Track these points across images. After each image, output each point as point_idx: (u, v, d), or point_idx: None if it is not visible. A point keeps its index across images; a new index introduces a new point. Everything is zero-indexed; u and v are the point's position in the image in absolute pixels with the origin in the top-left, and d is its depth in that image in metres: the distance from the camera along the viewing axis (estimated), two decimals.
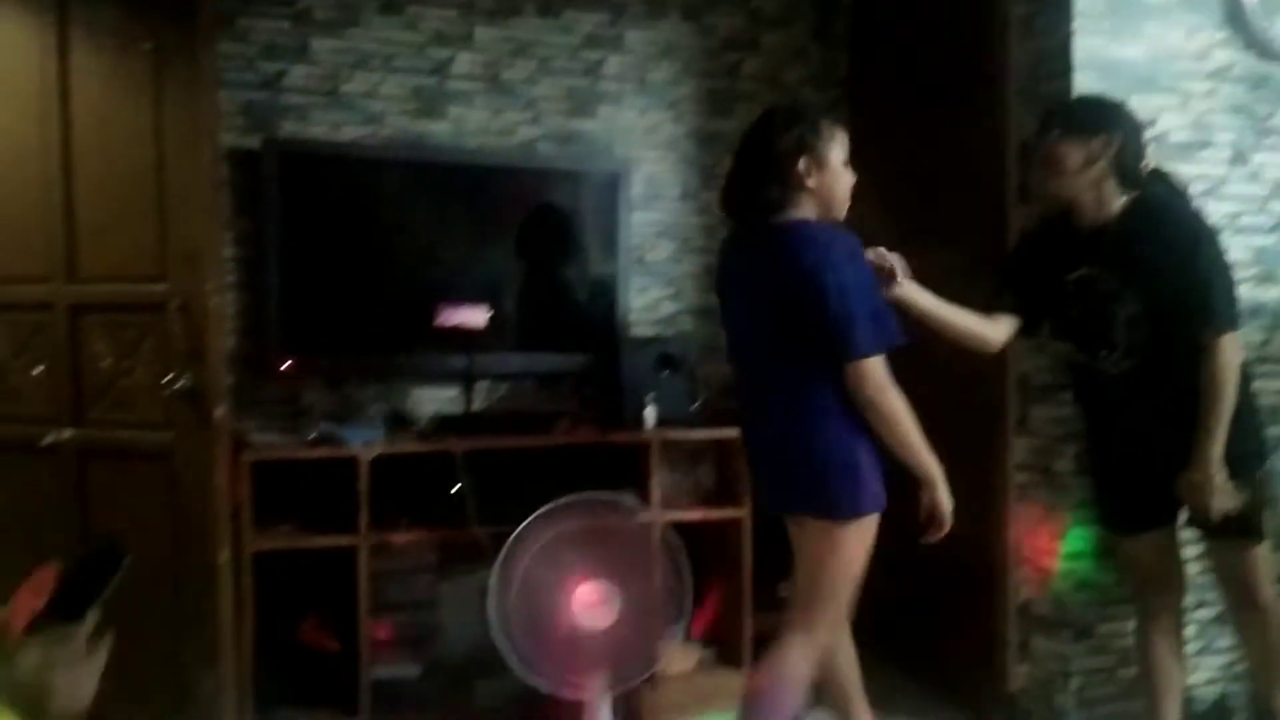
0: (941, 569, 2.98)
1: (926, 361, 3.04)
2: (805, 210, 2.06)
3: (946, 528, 2.13)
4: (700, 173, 3.39)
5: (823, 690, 2.39)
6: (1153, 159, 2.25)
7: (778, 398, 2.10)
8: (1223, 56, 2.61)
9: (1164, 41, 2.55)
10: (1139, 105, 2.48)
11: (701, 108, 3.39)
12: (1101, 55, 2.49)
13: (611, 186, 3.19)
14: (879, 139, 3.37)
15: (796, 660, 2.09)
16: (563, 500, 2.55)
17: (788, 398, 2.07)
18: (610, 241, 3.20)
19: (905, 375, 3.15)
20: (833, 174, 2.07)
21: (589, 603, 2.56)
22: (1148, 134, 2.52)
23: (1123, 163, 2.14)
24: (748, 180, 2.09)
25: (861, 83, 3.46)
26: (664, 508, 2.83)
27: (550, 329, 3.15)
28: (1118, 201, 2.16)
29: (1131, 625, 2.54)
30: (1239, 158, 2.61)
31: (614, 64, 3.29)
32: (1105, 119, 2.17)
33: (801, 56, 3.50)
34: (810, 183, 2.04)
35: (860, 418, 2.02)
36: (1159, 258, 2.08)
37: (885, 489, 2.10)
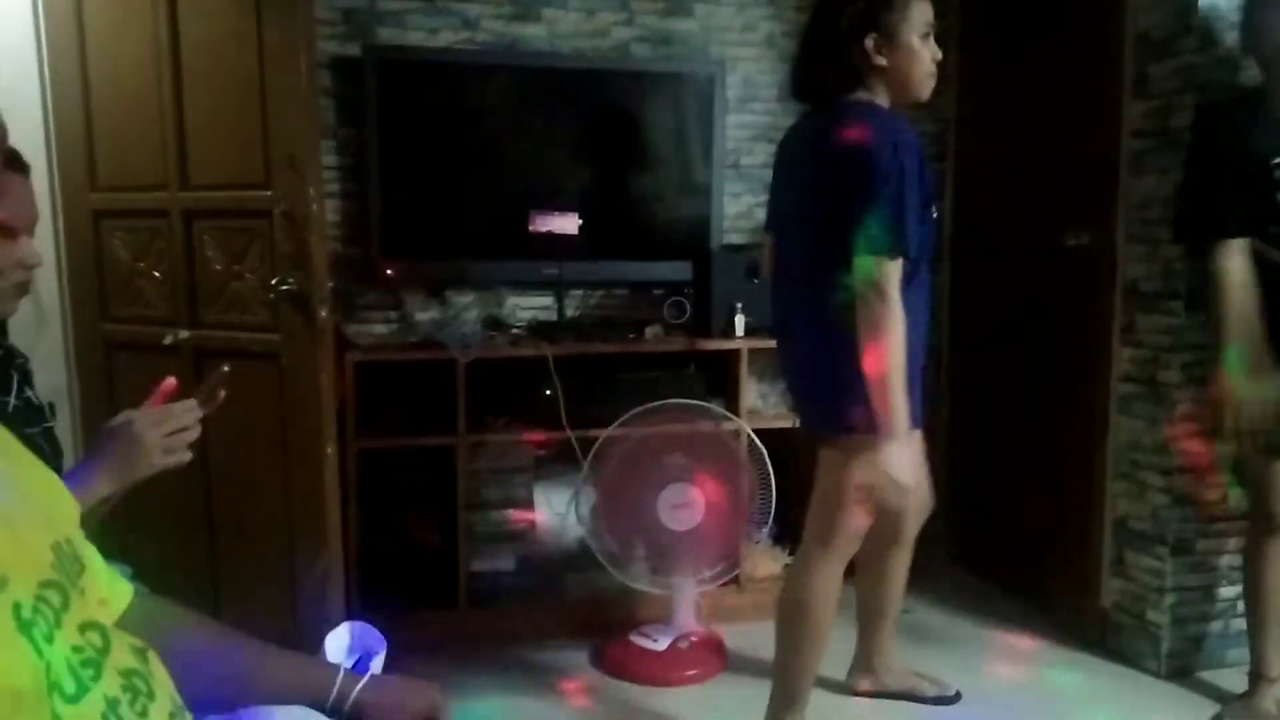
0: (1038, 481, 2.93)
1: (1028, 264, 2.95)
2: (876, 93, 1.91)
3: (892, 500, 1.89)
4: None
5: (857, 603, 2.40)
6: None
7: (809, 302, 1.94)
8: None
9: None
10: None
11: (801, 2, 3.26)
12: None
13: (707, 88, 3.13)
14: (989, 31, 3.21)
15: (821, 575, 2.04)
16: (652, 405, 2.60)
17: (819, 302, 1.88)
18: (705, 146, 3.16)
19: (1011, 282, 3.07)
20: (906, 52, 1.88)
21: (676, 504, 2.62)
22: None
23: None
24: (810, 61, 1.95)
25: None
26: (751, 416, 2.85)
27: (642, 236, 3.15)
28: None
29: (1232, 543, 2.46)
30: None
31: None
32: None
33: None
34: (879, 61, 1.87)
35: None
36: None
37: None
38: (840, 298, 1.81)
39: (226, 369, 1.43)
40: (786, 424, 2.89)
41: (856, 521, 2.00)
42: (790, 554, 3.01)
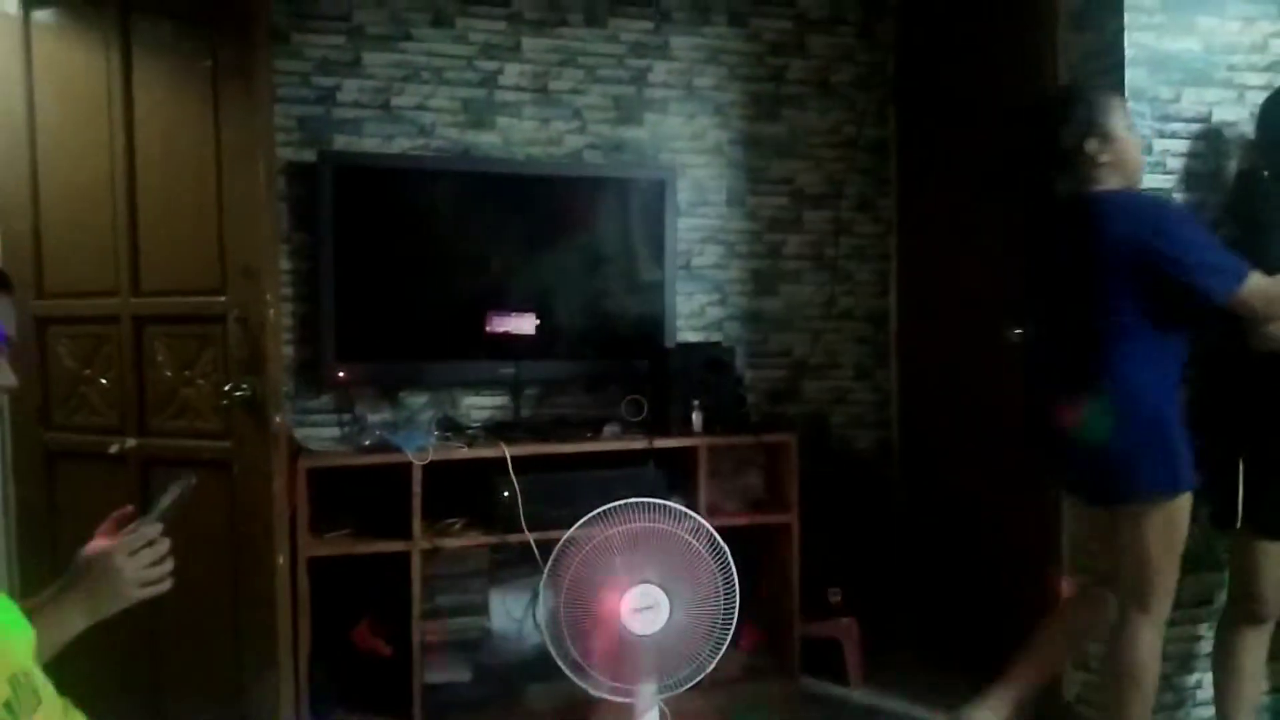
0: (996, 572, 2.94)
1: (973, 360, 3.02)
2: (1108, 183, 2.11)
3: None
4: (747, 177, 3.40)
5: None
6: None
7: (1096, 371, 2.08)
8: None
9: (1219, 34, 2.49)
10: (1193, 99, 2.45)
11: (748, 112, 3.39)
12: (1154, 49, 2.44)
13: (658, 193, 3.21)
14: (926, 140, 3.36)
15: (1147, 641, 2.13)
16: (611, 505, 2.57)
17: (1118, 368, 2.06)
18: (657, 248, 3.22)
19: (958, 376, 3.14)
20: (1122, 144, 2.11)
21: (638, 608, 2.57)
22: (1203, 129, 2.48)
23: None
24: (1042, 173, 2.17)
25: (909, 83, 3.44)
26: (712, 513, 2.83)
27: (598, 336, 3.18)
28: None
29: (1193, 630, 2.49)
30: None
31: (660, 71, 3.31)
32: None
33: (848, 58, 3.49)
34: (1104, 159, 2.09)
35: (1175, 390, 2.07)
36: None
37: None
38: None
39: (193, 481, 1.37)
40: (747, 521, 2.88)
41: (1172, 580, 2.12)
42: (753, 653, 2.97)
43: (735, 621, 2.63)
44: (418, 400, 3.08)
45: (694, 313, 3.34)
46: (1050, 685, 2.68)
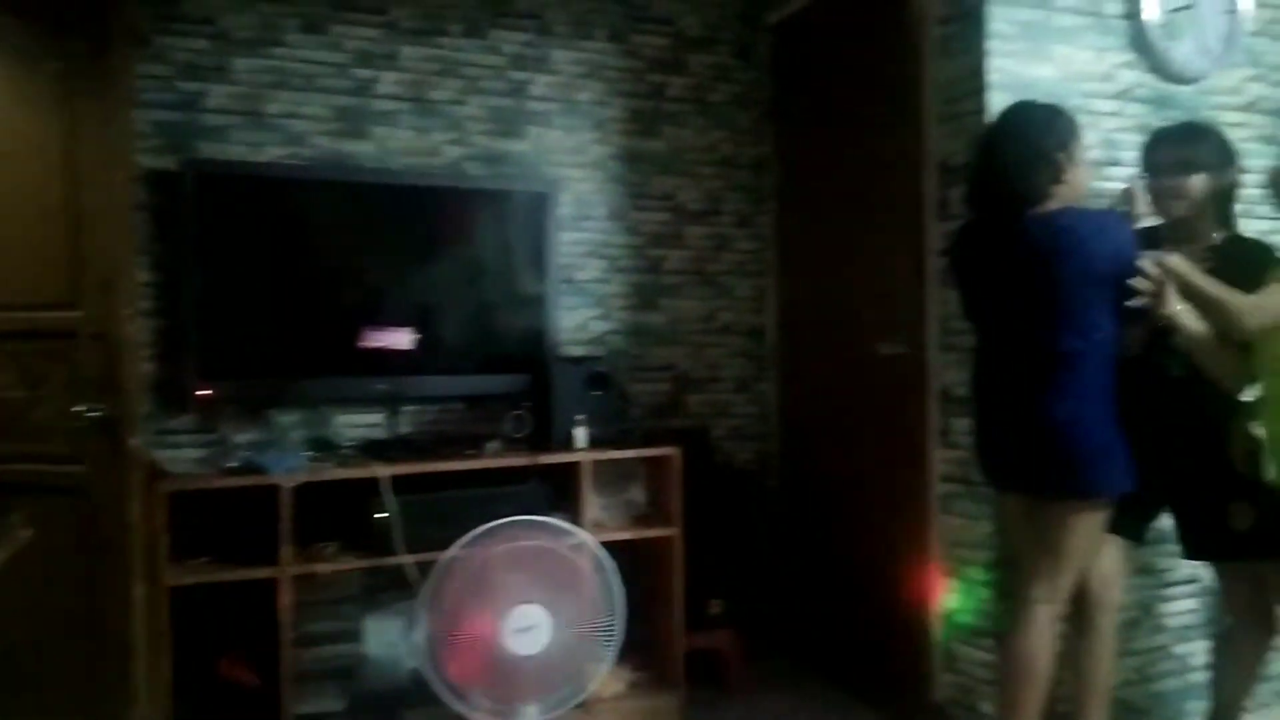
0: (870, 580, 3.02)
1: (850, 373, 3.11)
2: (1056, 203, 2.15)
3: None
4: (628, 192, 3.41)
5: None
6: None
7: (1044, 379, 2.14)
8: (1128, 78, 2.70)
9: (1073, 63, 2.63)
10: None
11: (628, 128, 3.41)
12: (1015, 75, 2.55)
13: (539, 206, 3.19)
14: (801, 159, 3.44)
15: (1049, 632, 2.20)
16: (491, 524, 2.53)
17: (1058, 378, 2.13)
18: (539, 261, 3.19)
19: (833, 389, 3.22)
20: (1083, 170, 2.20)
21: (519, 628, 2.53)
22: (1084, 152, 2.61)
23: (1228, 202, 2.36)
24: (1009, 174, 2.17)
25: (785, 102, 3.51)
26: (595, 529, 2.82)
27: (478, 350, 3.12)
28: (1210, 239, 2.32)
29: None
30: None
31: (541, 84, 3.29)
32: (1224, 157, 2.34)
33: (726, 77, 3.54)
34: (1065, 177, 2.14)
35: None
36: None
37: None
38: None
39: (24, 534, 1.21)
40: (631, 535, 2.88)
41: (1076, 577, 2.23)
42: (637, 670, 2.96)
43: (619, 637, 2.62)
44: (288, 419, 2.96)
45: (577, 327, 3.33)
46: (920, 685, 2.77)
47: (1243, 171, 2.41)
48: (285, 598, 2.57)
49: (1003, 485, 2.34)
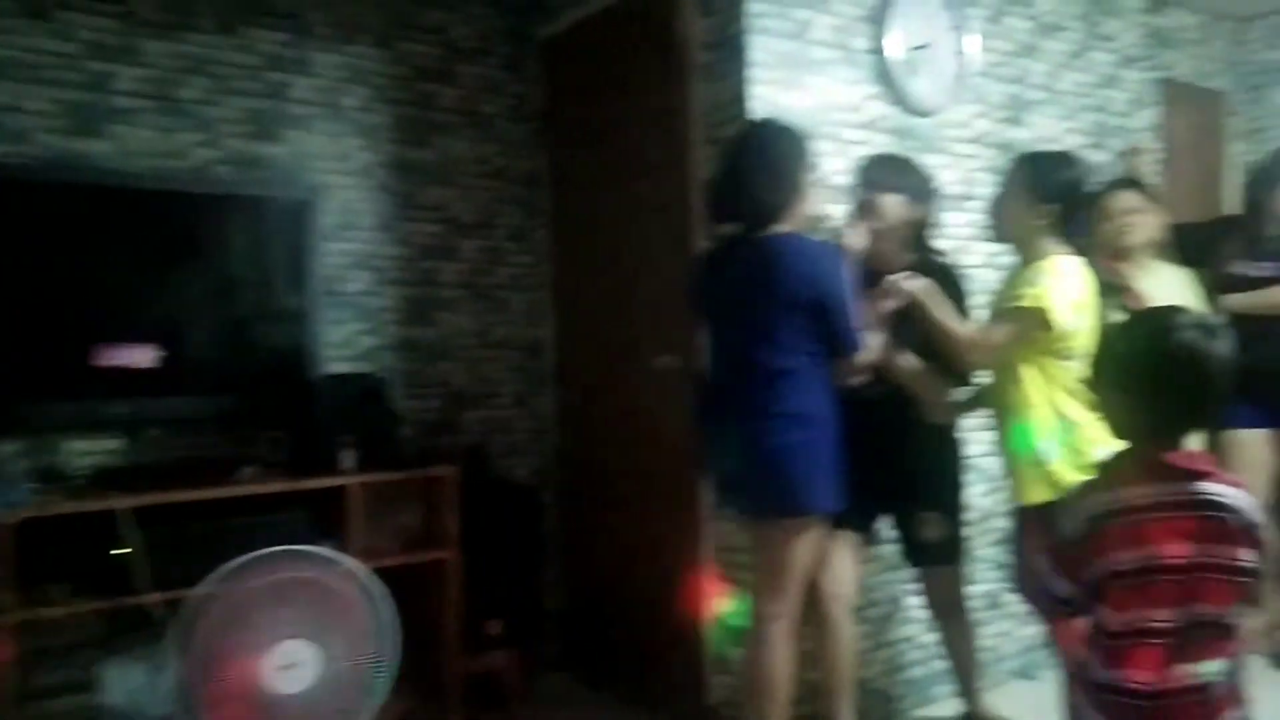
0: (646, 590, 3.06)
1: (626, 386, 3.15)
2: (791, 224, 2.22)
3: None
4: (397, 202, 3.30)
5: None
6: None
7: (772, 399, 2.19)
8: (874, 109, 2.91)
9: (826, 93, 2.80)
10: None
11: (397, 136, 3.30)
12: (774, 102, 2.69)
13: (300, 215, 3.02)
14: (575, 174, 3.46)
15: (785, 646, 2.28)
16: (249, 556, 2.35)
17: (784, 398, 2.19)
18: (300, 273, 3.02)
19: (610, 403, 3.25)
20: (813, 193, 2.29)
21: (283, 665, 2.37)
22: (815, 178, 2.77)
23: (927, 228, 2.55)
24: (750, 190, 2.20)
25: (557, 118, 3.53)
26: (365, 555, 2.69)
27: (232, 368, 2.91)
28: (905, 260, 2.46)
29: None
30: None
31: (301, 87, 3.12)
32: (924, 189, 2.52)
33: (498, 90, 3.51)
34: (802, 197, 2.23)
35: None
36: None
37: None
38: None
39: None
40: (405, 559, 2.77)
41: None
42: (414, 698, 2.85)
43: (392, 667, 2.51)
44: (8, 448, 2.63)
45: (342, 342, 3.17)
46: (695, 690, 2.84)
47: (939, 209, 2.64)
48: (9, 648, 2.27)
49: (728, 505, 2.44)
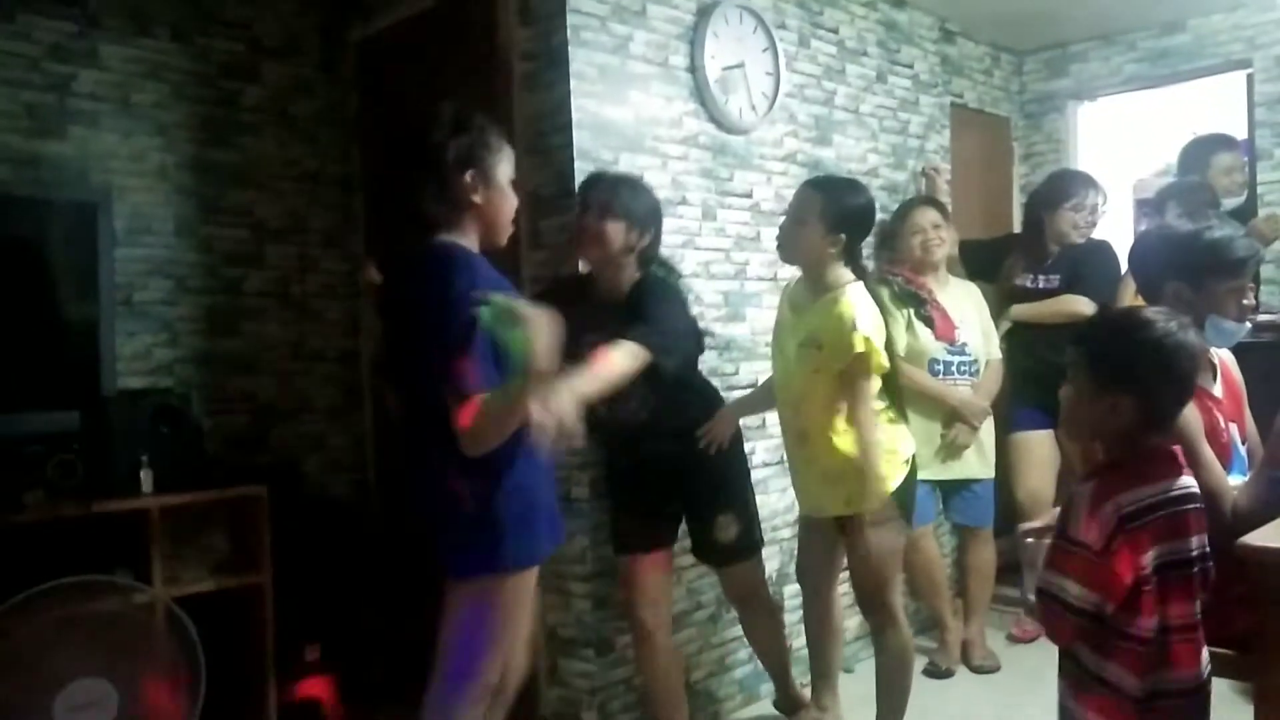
0: None
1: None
2: (468, 231, 1.89)
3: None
4: (198, 206, 3.11)
5: None
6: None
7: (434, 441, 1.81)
8: (692, 125, 2.99)
9: (646, 108, 2.85)
10: (628, 164, 2.77)
11: (197, 136, 3.11)
12: (596, 115, 2.71)
13: (87, 218, 2.80)
14: (393, 179, 3.36)
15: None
16: (37, 590, 2.16)
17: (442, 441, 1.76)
18: (89, 281, 2.79)
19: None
20: (500, 193, 1.92)
21: (78, 705, 2.19)
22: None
23: (651, 252, 2.43)
24: (406, 191, 1.88)
25: (373, 120, 3.42)
26: (169, 583, 2.52)
27: (12, 386, 2.65)
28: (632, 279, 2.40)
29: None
30: (708, 214, 2.99)
31: (88, 80, 2.89)
32: (650, 213, 2.42)
33: (309, 90, 3.37)
34: (476, 199, 1.87)
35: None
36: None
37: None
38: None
39: None
40: (213, 585, 2.61)
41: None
42: None
43: (199, 700, 2.37)
44: None
45: (138, 355, 2.96)
46: (527, 704, 2.82)
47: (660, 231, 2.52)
48: None
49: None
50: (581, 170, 2.66)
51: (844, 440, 2.37)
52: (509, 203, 1.95)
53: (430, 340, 1.74)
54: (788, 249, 2.51)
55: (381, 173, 1.97)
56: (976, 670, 3.32)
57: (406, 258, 1.89)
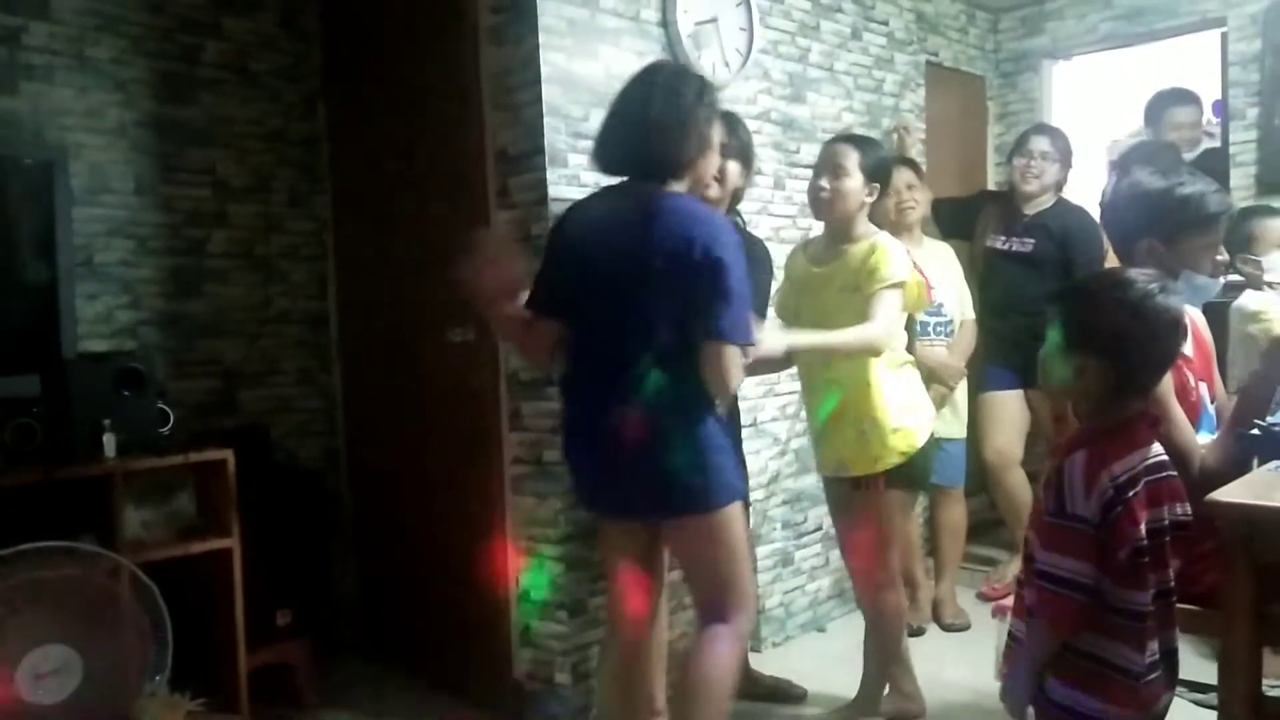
0: (447, 568, 3.01)
1: (418, 360, 3.05)
2: (683, 184, 2.02)
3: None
4: (158, 164, 3.03)
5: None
6: None
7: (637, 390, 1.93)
8: None
9: (617, 63, 2.79)
10: (599, 120, 2.69)
11: (156, 92, 3.02)
12: (565, 70, 2.65)
13: (43, 176, 2.73)
14: (358, 138, 3.29)
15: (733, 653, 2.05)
16: None
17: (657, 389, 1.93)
18: (46, 242, 2.73)
19: (402, 378, 3.14)
20: (714, 155, 2.10)
21: (41, 673, 2.16)
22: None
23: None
24: (653, 138, 1.96)
25: (337, 78, 3.34)
26: (134, 548, 2.48)
27: None
28: None
29: None
30: None
31: (40, 33, 2.79)
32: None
33: (271, 46, 3.28)
34: (701, 158, 2.03)
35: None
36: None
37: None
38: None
39: None
40: (180, 551, 2.58)
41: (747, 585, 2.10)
42: (194, 697, 2.67)
43: (167, 666, 2.34)
44: None
45: (99, 318, 2.89)
46: (500, 665, 2.82)
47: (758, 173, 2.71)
48: None
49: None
50: (552, 127, 2.61)
51: (879, 392, 2.41)
52: (714, 165, 2.15)
53: (717, 291, 1.88)
54: (830, 204, 2.49)
55: (618, 117, 2.03)
56: (947, 629, 3.36)
57: (653, 204, 1.96)
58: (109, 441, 2.52)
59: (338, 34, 3.33)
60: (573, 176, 2.66)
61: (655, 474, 1.95)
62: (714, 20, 3.00)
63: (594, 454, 2.04)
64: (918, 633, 3.29)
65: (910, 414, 2.47)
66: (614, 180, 2.09)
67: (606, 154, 2.05)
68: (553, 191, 2.62)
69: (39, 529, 2.29)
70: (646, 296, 1.93)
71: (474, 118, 2.76)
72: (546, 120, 2.60)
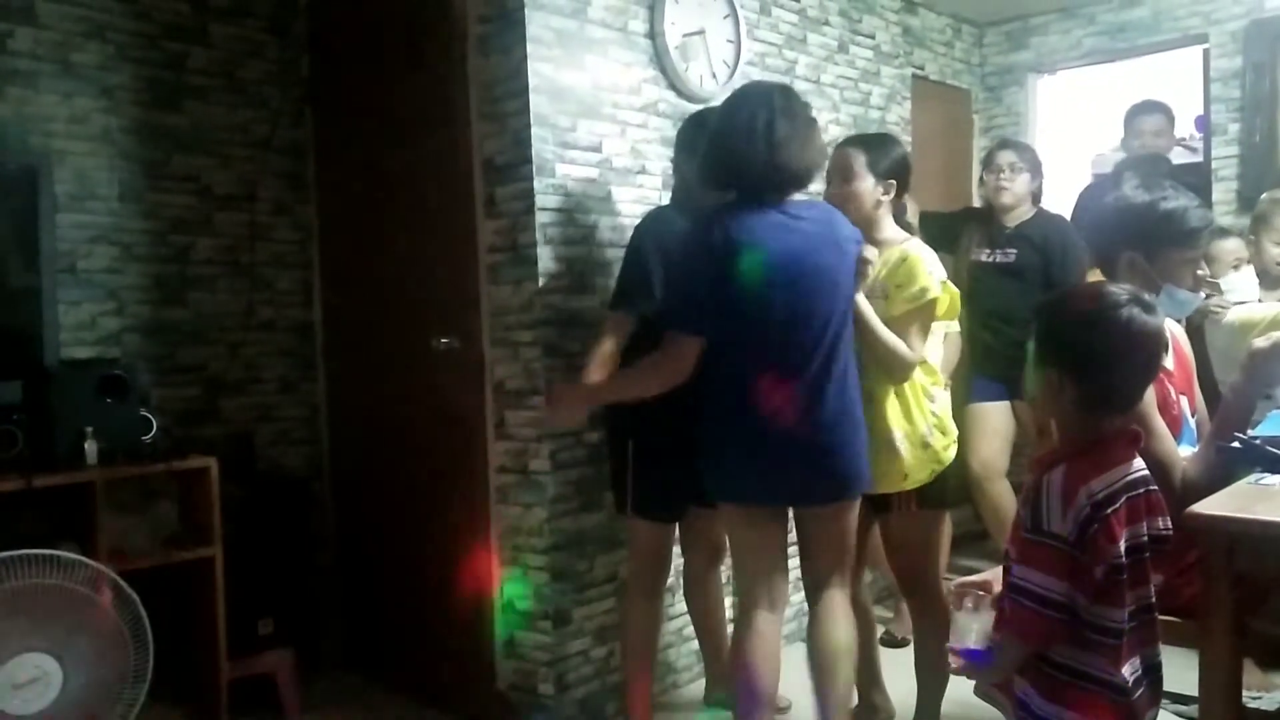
0: (431, 578, 2.99)
1: (403, 369, 3.05)
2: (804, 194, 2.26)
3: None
4: (143, 170, 3.02)
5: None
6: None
7: (835, 381, 2.17)
8: (652, 93, 2.95)
9: (605, 74, 2.81)
10: (586, 131, 2.73)
11: (142, 99, 3.01)
12: (553, 80, 2.66)
13: (28, 182, 2.71)
14: (344, 147, 3.29)
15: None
16: None
17: (845, 379, 2.20)
18: (30, 248, 2.72)
19: (387, 387, 3.13)
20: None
21: (20, 682, 2.14)
22: (597, 158, 2.77)
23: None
24: (813, 156, 2.20)
25: (325, 87, 3.34)
26: (115, 557, 2.46)
27: None
28: None
29: (604, 606, 2.78)
30: (669, 183, 2.94)
31: (26, 38, 2.78)
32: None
33: (259, 53, 3.28)
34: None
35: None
36: None
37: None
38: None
39: None
40: (162, 560, 2.56)
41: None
42: (178, 705, 2.66)
43: (147, 675, 2.32)
44: None
45: (82, 324, 2.87)
46: (483, 675, 2.81)
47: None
48: None
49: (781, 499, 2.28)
50: (539, 137, 2.62)
51: (907, 404, 2.36)
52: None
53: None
54: (843, 208, 2.37)
55: (742, 134, 2.16)
56: None
57: (817, 213, 2.23)
58: (91, 449, 2.50)
59: (326, 42, 3.32)
60: (560, 186, 2.66)
61: (856, 459, 2.21)
62: (701, 32, 3.02)
63: (797, 446, 2.16)
64: (902, 643, 3.29)
65: (941, 432, 2.41)
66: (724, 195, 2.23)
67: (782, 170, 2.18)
68: (540, 201, 2.62)
69: (19, 537, 2.27)
70: (840, 298, 2.20)
71: (461, 127, 2.76)
72: (534, 130, 2.61)
